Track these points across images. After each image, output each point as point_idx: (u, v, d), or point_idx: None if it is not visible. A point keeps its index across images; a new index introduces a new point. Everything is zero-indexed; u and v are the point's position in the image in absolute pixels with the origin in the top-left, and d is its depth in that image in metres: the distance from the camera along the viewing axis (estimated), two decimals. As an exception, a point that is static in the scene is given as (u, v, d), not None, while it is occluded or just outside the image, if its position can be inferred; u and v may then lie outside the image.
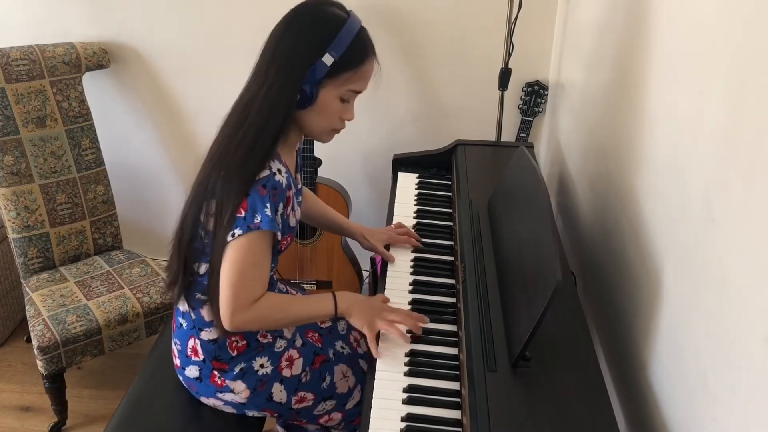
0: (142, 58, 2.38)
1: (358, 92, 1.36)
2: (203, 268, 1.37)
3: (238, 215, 1.26)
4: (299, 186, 1.49)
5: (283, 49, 1.29)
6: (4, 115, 2.07)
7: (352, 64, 1.31)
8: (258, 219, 1.26)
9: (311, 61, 1.27)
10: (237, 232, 1.26)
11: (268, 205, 1.27)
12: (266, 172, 1.28)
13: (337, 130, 1.40)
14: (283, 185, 1.31)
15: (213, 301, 1.34)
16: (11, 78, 2.08)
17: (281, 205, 1.31)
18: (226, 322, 1.31)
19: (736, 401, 0.97)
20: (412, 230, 1.71)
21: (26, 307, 2.06)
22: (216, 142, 1.33)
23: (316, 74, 1.28)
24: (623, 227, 1.52)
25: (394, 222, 1.74)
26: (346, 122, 1.39)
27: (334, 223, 1.73)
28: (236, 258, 1.28)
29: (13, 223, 2.12)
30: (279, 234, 1.32)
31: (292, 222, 1.40)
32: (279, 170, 1.31)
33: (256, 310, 1.32)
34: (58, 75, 2.17)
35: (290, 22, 1.31)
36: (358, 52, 1.31)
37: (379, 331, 1.36)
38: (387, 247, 1.65)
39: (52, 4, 2.31)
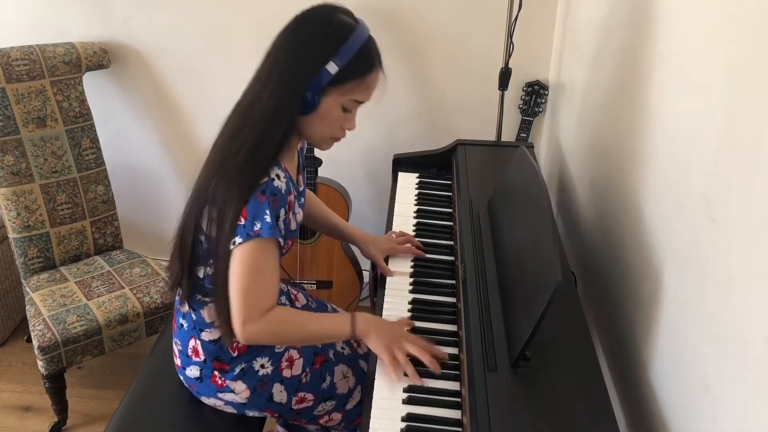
0: (142, 58, 2.38)
1: (361, 102, 1.34)
2: (204, 272, 1.36)
3: (239, 223, 1.25)
4: (301, 188, 1.47)
5: (289, 53, 1.27)
6: (5, 115, 2.07)
7: (357, 74, 1.29)
8: (258, 226, 1.25)
9: (316, 67, 1.25)
10: (237, 240, 1.25)
11: (267, 212, 1.25)
12: (265, 178, 1.26)
13: (337, 139, 1.38)
14: (283, 190, 1.29)
15: (220, 310, 1.32)
16: (11, 78, 2.08)
17: (282, 211, 1.30)
18: (238, 333, 1.29)
19: (737, 401, 0.97)
20: (414, 237, 1.68)
21: (26, 307, 2.06)
22: (216, 144, 1.32)
23: (319, 81, 1.26)
24: (623, 227, 1.52)
25: (394, 227, 1.72)
26: (347, 132, 1.37)
27: (335, 228, 1.71)
28: (240, 267, 1.26)
29: (14, 223, 2.12)
30: (281, 240, 1.30)
31: (293, 226, 1.39)
32: (278, 175, 1.29)
33: (269, 322, 1.30)
34: (59, 75, 2.17)
35: (298, 27, 1.29)
36: (363, 62, 1.29)
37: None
38: (387, 258, 1.62)
39: (52, 4, 2.31)
